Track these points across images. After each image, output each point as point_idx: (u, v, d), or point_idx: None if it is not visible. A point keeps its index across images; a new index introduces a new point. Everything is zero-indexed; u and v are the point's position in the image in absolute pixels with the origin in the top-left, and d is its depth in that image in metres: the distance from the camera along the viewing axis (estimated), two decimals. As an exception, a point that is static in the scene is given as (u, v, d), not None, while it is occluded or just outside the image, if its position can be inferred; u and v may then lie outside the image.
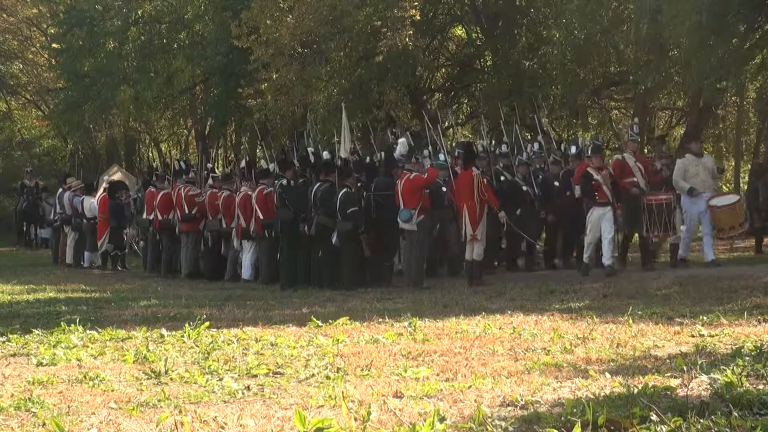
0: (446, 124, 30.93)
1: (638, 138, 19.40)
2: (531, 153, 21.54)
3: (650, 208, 17.65)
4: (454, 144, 23.99)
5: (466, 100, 34.83)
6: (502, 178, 20.07)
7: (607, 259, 17.51)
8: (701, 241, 18.67)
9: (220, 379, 7.82)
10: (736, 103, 33.39)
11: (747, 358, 7.48)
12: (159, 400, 6.99)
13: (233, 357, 9.06)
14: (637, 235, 18.74)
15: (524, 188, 20.19)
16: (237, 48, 27.95)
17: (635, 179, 18.01)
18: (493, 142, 21.04)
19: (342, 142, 20.45)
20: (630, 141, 19.16)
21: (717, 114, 32.59)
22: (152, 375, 8.17)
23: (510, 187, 20.01)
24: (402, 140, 19.79)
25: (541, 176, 20.69)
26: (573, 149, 20.72)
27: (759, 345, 8.24)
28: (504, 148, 21.40)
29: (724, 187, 29.86)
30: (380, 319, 11.86)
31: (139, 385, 7.79)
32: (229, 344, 9.97)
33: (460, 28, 34.05)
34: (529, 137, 24.10)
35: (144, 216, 24.02)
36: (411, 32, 26.33)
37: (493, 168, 20.09)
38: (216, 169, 24.31)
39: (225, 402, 6.96)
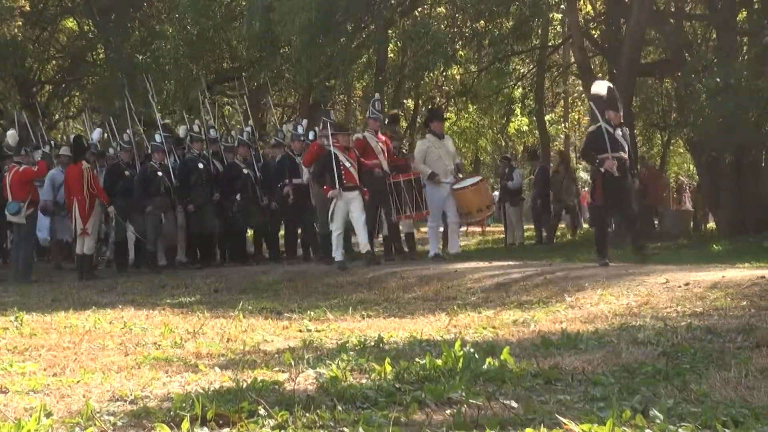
0: (57, 116, 30.44)
1: (380, 116, 17.45)
2: (249, 135, 19.89)
3: (397, 188, 16.00)
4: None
5: (77, 93, 34.30)
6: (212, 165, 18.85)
7: (365, 245, 15.70)
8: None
9: None
10: (344, 101, 34.71)
11: (351, 352, 7.68)
12: None
13: None
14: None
15: (245, 171, 18.71)
16: None
17: (377, 161, 16.35)
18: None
19: None
20: (371, 119, 17.15)
21: (329, 111, 33.76)
22: None
23: (229, 170, 18.78)
24: (11, 132, 19.35)
25: (261, 161, 19.30)
26: (299, 129, 19.15)
27: (362, 340, 8.53)
28: (213, 132, 20.09)
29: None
30: (-15, 314, 11.62)
31: None
32: None
33: (71, 20, 33.47)
34: (143, 131, 24.05)
35: None
36: (20, 23, 25.79)
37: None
38: None
39: None
